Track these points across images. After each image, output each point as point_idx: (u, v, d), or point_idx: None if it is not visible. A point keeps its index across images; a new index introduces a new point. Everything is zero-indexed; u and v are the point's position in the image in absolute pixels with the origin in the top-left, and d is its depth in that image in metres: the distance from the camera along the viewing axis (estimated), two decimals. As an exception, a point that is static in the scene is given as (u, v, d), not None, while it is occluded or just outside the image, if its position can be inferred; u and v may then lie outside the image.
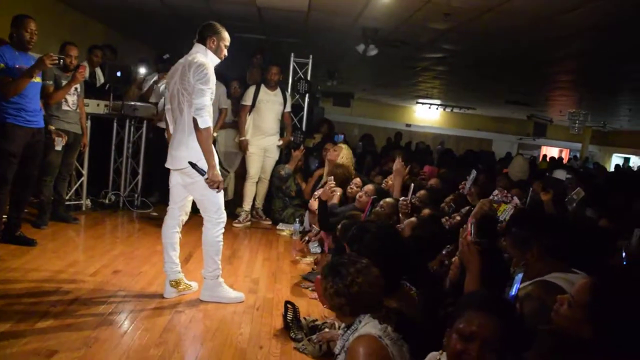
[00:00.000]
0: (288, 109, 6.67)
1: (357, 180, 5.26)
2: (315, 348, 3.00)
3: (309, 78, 7.32)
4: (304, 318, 3.37)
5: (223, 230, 3.72)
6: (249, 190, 6.48)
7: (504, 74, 10.27)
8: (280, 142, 6.61)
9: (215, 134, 6.40)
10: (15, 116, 4.23)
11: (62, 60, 4.44)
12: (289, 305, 3.38)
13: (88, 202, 6.21)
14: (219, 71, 6.56)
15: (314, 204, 4.79)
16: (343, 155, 5.86)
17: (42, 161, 4.79)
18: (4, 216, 4.47)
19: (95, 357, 2.73)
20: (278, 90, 6.56)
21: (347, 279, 2.19)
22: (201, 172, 3.51)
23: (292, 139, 6.79)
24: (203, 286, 3.75)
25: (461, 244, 2.61)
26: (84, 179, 6.11)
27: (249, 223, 6.40)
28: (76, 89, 5.20)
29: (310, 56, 7.33)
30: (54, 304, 3.35)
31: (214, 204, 3.64)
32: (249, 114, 6.47)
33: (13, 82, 4.14)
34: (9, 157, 4.24)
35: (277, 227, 6.30)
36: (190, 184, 3.63)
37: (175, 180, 3.74)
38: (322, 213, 4.70)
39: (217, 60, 3.64)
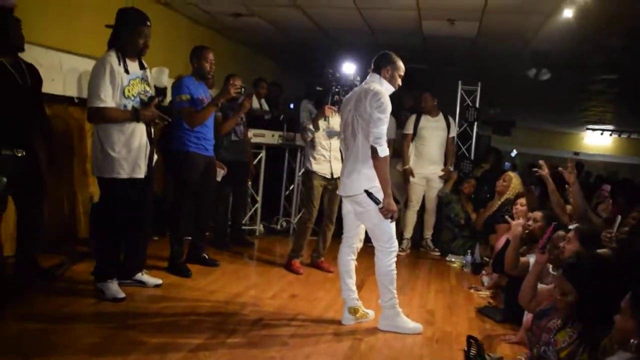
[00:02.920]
0: (452, 134, 6.49)
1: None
2: (507, 389, 2.78)
3: (477, 105, 7.10)
4: (489, 355, 3.16)
5: (395, 259, 3.64)
6: (410, 217, 6.43)
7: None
8: (442, 173, 6.43)
9: None
10: (197, 144, 4.49)
11: (243, 89, 4.58)
12: (472, 341, 3.19)
13: (261, 227, 6.54)
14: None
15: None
16: (513, 185, 5.49)
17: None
18: (187, 238, 4.78)
19: (283, 378, 2.78)
20: (440, 116, 6.43)
21: None
22: (376, 200, 3.48)
23: (451, 169, 6.56)
24: (381, 315, 3.69)
25: None
26: (259, 205, 6.45)
27: (408, 251, 6.36)
28: (242, 118, 5.42)
29: (479, 83, 7.11)
30: (239, 323, 3.50)
31: (386, 233, 3.58)
32: (412, 143, 6.43)
33: (200, 112, 4.40)
34: (190, 185, 4.52)
35: (447, 258, 6.11)
36: (361, 212, 3.62)
37: (346, 208, 3.76)
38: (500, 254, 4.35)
39: (391, 89, 3.63)
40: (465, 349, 3.20)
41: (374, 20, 6.31)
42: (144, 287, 4.02)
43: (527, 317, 3.51)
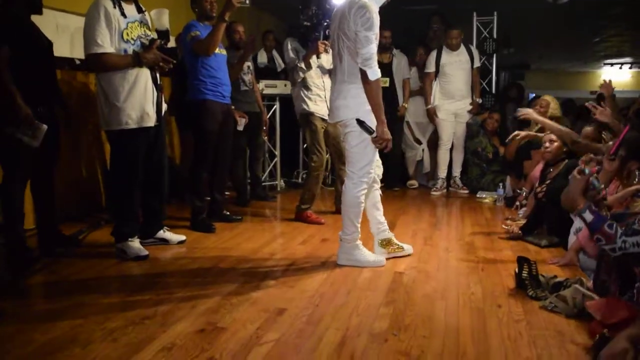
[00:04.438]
0: (477, 64, 6.18)
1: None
2: (569, 305, 2.55)
3: (494, 36, 6.75)
4: (542, 275, 2.93)
5: (365, 192, 3.32)
6: (443, 157, 6.19)
7: None
8: (470, 108, 6.15)
9: (406, 105, 6.19)
10: (214, 92, 4.25)
11: (248, 0, 4.10)
12: (523, 262, 2.96)
13: (282, 182, 6.33)
14: (400, 43, 6.28)
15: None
16: (551, 109, 5.17)
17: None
18: (207, 198, 4.54)
19: (325, 314, 2.57)
20: (462, 49, 6.11)
21: None
22: (369, 129, 3.17)
23: (480, 101, 6.27)
24: (339, 249, 3.41)
25: None
26: (277, 159, 6.23)
27: (444, 190, 6.16)
28: (249, 67, 5.15)
29: (495, 13, 6.75)
30: (271, 269, 3.32)
31: (363, 160, 3.23)
32: (435, 80, 6.15)
33: (210, 35, 4.05)
34: (210, 135, 4.29)
35: (477, 195, 5.86)
36: (345, 133, 3.30)
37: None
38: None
39: (381, 1, 3.20)
40: (517, 270, 2.97)
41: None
42: (167, 244, 3.85)
43: (579, 236, 3.27)
